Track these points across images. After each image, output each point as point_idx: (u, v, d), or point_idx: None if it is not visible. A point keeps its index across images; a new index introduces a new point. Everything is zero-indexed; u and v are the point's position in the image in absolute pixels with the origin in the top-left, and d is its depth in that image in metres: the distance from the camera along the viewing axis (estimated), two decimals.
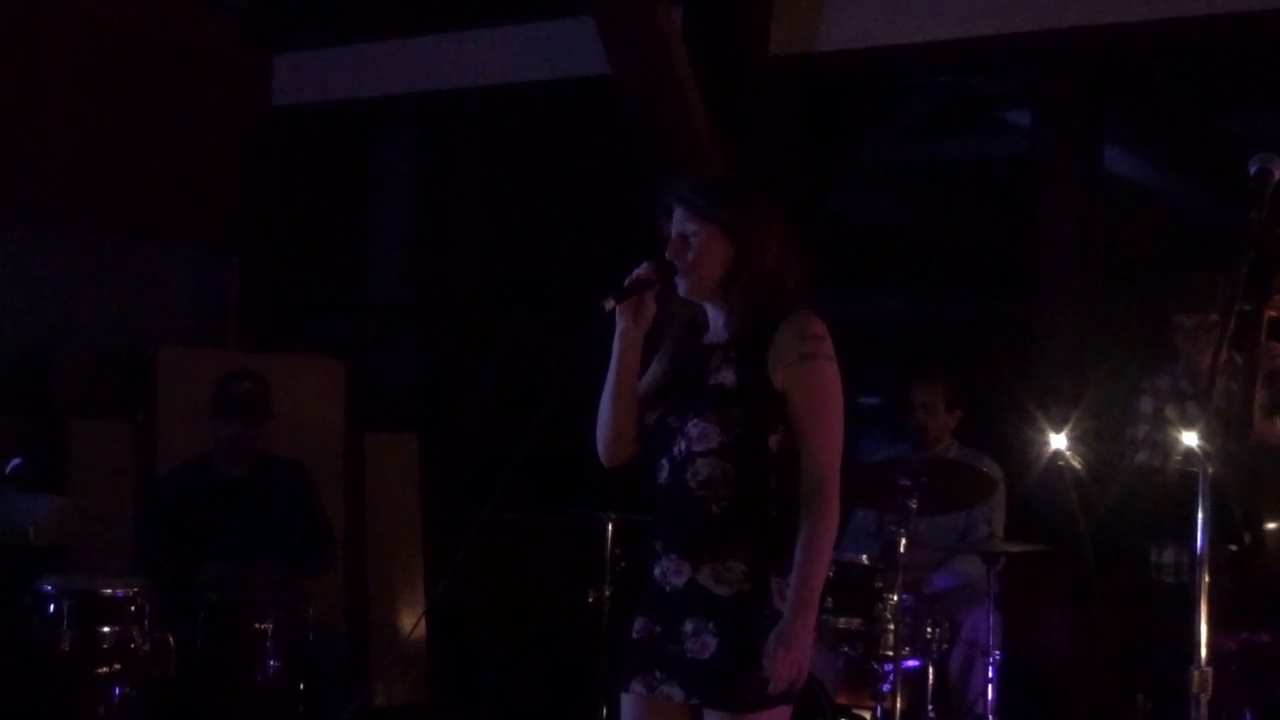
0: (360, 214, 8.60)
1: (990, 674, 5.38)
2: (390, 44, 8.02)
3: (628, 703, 3.55)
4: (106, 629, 5.07)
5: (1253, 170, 3.52)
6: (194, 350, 7.38)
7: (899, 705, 5.21)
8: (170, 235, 7.91)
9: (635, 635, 3.54)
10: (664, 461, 3.51)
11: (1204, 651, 3.19)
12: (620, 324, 3.54)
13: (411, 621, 7.25)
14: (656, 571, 3.50)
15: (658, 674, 3.47)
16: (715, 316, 3.58)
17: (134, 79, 7.67)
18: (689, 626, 3.42)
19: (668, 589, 3.47)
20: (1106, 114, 6.58)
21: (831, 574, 5.32)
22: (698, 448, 3.45)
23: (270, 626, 5.40)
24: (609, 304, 3.48)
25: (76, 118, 7.43)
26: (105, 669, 5.06)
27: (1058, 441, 5.28)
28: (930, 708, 5.40)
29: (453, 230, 8.05)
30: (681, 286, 3.54)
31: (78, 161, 7.41)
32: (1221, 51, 6.41)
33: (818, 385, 3.46)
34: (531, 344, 7.53)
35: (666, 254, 3.53)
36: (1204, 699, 3.19)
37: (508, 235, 7.94)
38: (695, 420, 3.46)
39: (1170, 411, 5.24)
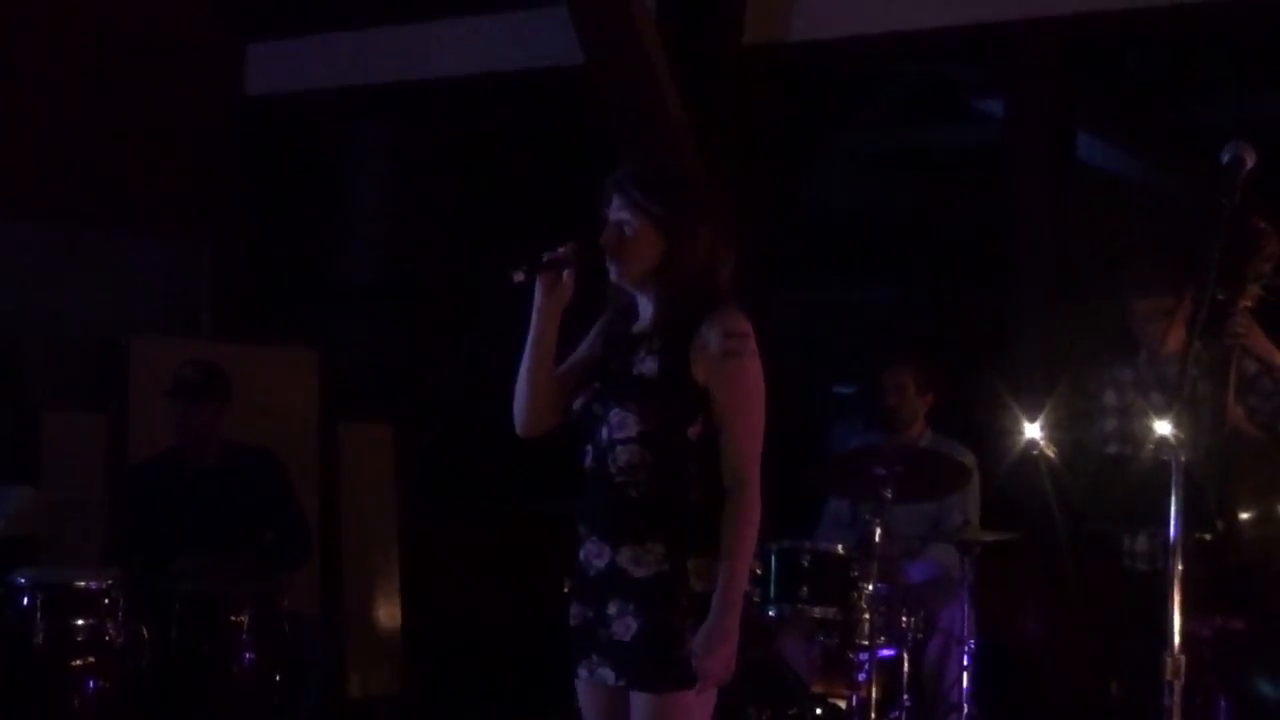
0: (334, 203, 8.58)
1: (965, 662, 5.40)
2: (363, 33, 8.00)
3: (578, 688, 3.63)
4: (80, 622, 5.04)
5: (1225, 158, 3.53)
6: (167, 340, 7.34)
7: (874, 694, 5.22)
8: (143, 225, 7.87)
9: (572, 622, 3.60)
10: (589, 447, 3.57)
11: (1177, 638, 3.20)
12: (537, 298, 3.60)
13: (388, 612, 7.24)
14: (582, 555, 3.57)
15: (594, 657, 3.53)
16: (644, 305, 3.62)
17: (106, 68, 7.64)
18: (613, 609, 3.48)
19: (591, 572, 3.53)
20: (1078, 102, 6.60)
21: (807, 563, 5.34)
22: (618, 435, 3.50)
23: (245, 618, 5.38)
24: (517, 276, 3.53)
25: (48, 107, 7.40)
26: (79, 662, 5.03)
27: (1032, 430, 5.29)
28: (905, 696, 5.41)
29: (426, 220, 8.04)
30: (612, 272, 3.58)
31: (50, 151, 7.38)
32: (1193, 39, 6.43)
33: (740, 383, 3.50)
34: (506, 334, 7.51)
35: (601, 239, 3.56)
36: (1177, 685, 3.21)
37: (481, 224, 7.92)
38: (616, 408, 3.51)
39: (1140, 402, 5.25)
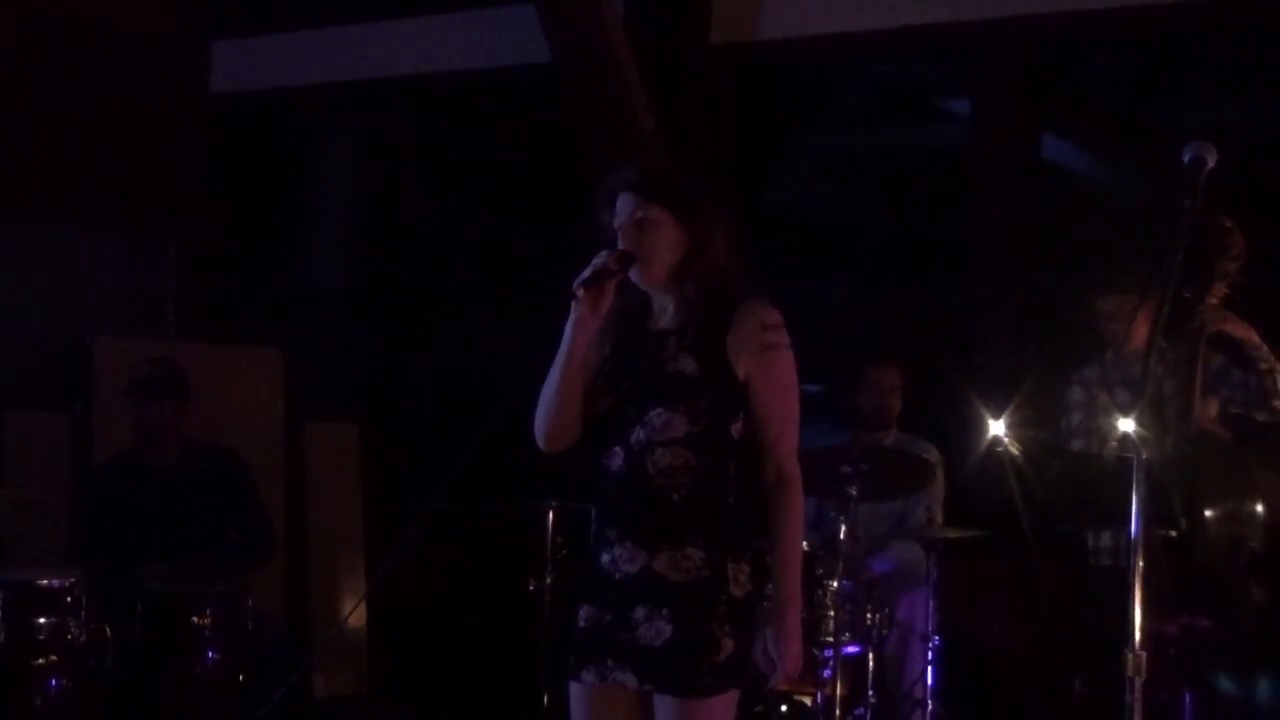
0: (300, 202, 8.55)
1: (929, 658, 5.42)
2: (330, 31, 7.97)
3: (577, 691, 3.53)
4: (42, 620, 5.00)
5: (1186, 159, 3.54)
6: (131, 340, 7.29)
7: (840, 691, 5.23)
8: (107, 223, 7.83)
9: (582, 624, 3.52)
10: (618, 449, 3.49)
11: (1138, 635, 3.21)
12: (576, 312, 3.48)
13: (354, 612, 7.22)
14: (604, 559, 3.48)
15: (609, 662, 3.45)
16: (663, 304, 3.56)
17: (71, 65, 7.59)
18: (640, 613, 3.41)
19: (617, 576, 3.46)
20: (1044, 103, 6.62)
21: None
22: (660, 437, 3.43)
23: (208, 618, 5.36)
24: (580, 291, 3.44)
25: (11, 104, 7.35)
26: (41, 660, 4.99)
27: (996, 427, 5.31)
28: (871, 692, 5.42)
29: (393, 219, 8.02)
30: (635, 273, 3.51)
31: (12, 148, 7.33)
32: (1158, 41, 6.46)
33: (780, 374, 3.49)
34: (473, 333, 7.51)
35: (620, 241, 3.49)
36: (1138, 682, 3.21)
37: (448, 224, 7.91)
38: (658, 409, 3.44)
39: (1104, 399, 5.27)
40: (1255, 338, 4.80)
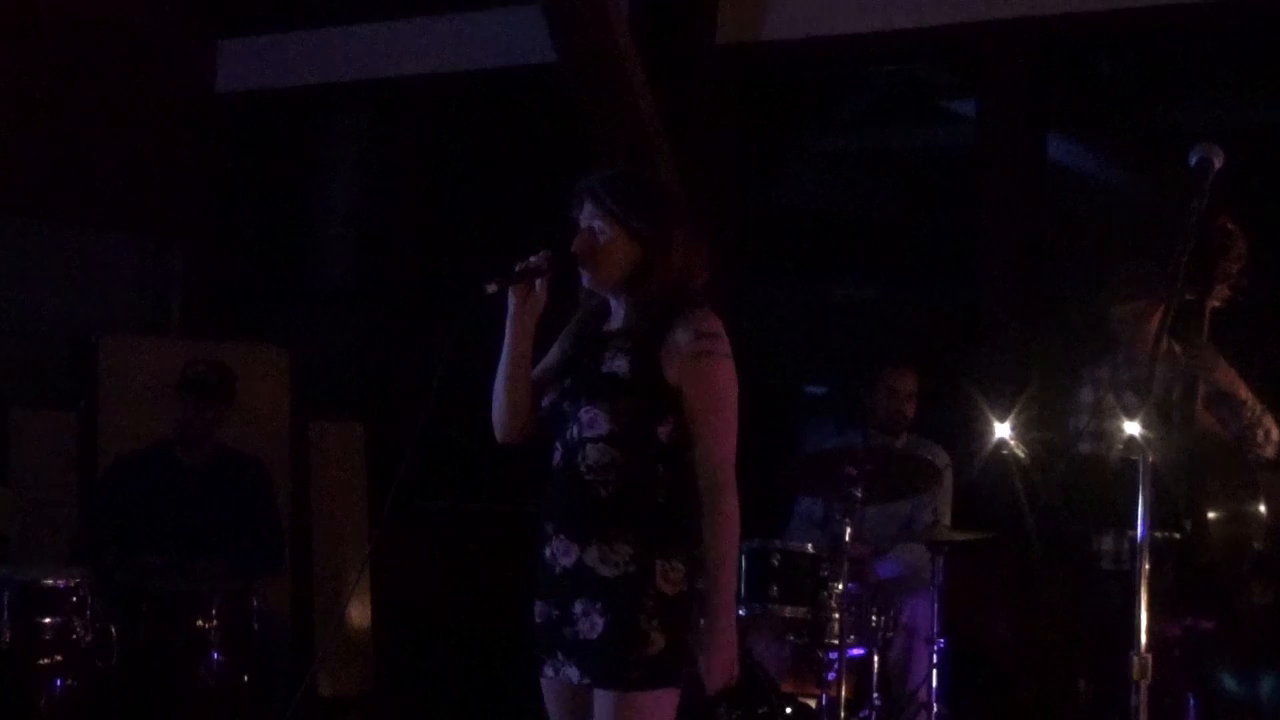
0: (305, 201, 8.55)
1: (934, 661, 5.41)
2: (335, 31, 7.97)
3: (544, 686, 3.63)
4: (48, 620, 5.01)
5: (1193, 160, 3.54)
6: (137, 338, 7.31)
7: (844, 693, 5.22)
8: (113, 222, 7.84)
9: (537, 619, 3.59)
10: (557, 445, 3.57)
11: (1144, 638, 3.21)
12: (510, 307, 3.58)
13: (357, 611, 7.22)
14: (547, 553, 3.56)
15: (559, 655, 3.53)
16: (617, 306, 3.63)
17: (78, 65, 7.60)
18: (579, 607, 3.47)
19: (557, 570, 3.53)
20: (1050, 104, 6.62)
21: (777, 563, 5.34)
22: (588, 433, 3.49)
23: (214, 619, 5.36)
24: (490, 287, 3.51)
25: (18, 102, 7.36)
26: (46, 660, 5.00)
27: (1002, 430, 5.31)
28: (875, 695, 5.42)
29: (398, 218, 8.02)
30: (585, 278, 3.58)
31: (20, 148, 7.34)
32: (1164, 42, 6.46)
33: (712, 382, 3.51)
34: (477, 332, 7.49)
35: (573, 245, 3.56)
36: (1144, 684, 3.22)
37: (453, 223, 7.91)
38: (587, 406, 3.50)
39: (1111, 400, 5.27)
40: (1242, 392, 4.83)
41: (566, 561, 3.51)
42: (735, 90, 7.02)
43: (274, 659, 5.65)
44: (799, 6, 6.86)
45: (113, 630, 5.15)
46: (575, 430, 3.51)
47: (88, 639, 5.08)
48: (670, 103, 6.68)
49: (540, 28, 6.67)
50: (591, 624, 3.45)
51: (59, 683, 5.02)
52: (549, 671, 3.57)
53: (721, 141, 6.98)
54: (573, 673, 3.50)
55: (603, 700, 3.45)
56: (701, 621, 3.47)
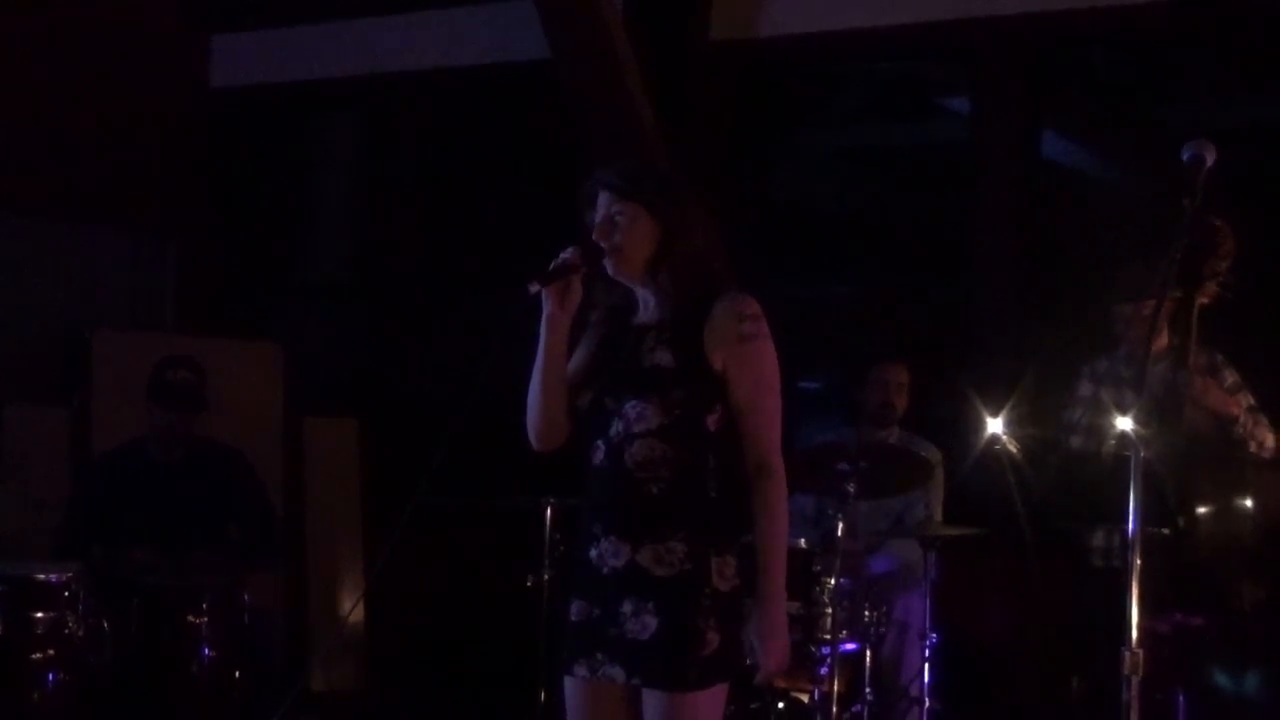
0: (299, 197, 8.55)
1: (926, 656, 5.42)
2: (330, 26, 7.97)
3: (571, 686, 3.55)
4: (40, 615, 5.01)
5: (1186, 157, 3.54)
6: (130, 333, 7.32)
7: (837, 688, 5.22)
8: (107, 217, 7.83)
9: (574, 618, 3.53)
10: (599, 443, 3.51)
11: (1135, 633, 3.21)
12: (546, 308, 3.52)
13: (351, 607, 7.22)
14: (593, 554, 3.50)
15: (599, 656, 3.46)
16: (645, 298, 3.58)
17: (71, 59, 7.59)
18: (628, 607, 3.42)
19: (605, 570, 3.47)
20: (1045, 101, 6.62)
21: None
22: (636, 429, 3.44)
23: (205, 614, 5.36)
24: (534, 287, 3.46)
25: (11, 98, 7.35)
26: (39, 655, 5.00)
27: (995, 426, 5.31)
28: (868, 690, 5.42)
29: (392, 213, 8.02)
30: (609, 266, 3.53)
31: (13, 142, 7.33)
32: (1158, 39, 6.46)
33: (758, 365, 3.48)
34: (471, 328, 7.51)
35: (594, 236, 3.52)
36: (1135, 680, 3.22)
37: (448, 219, 7.91)
38: (634, 401, 3.45)
39: (1106, 395, 5.28)
40: (1233, 410, 4.84)
41: (616, 562, 3.45)
42: (729, 86, 7.02)
43: (266, 654, 5.64)
44: (793, 3, 6.86)
45: (105, 625, 5.15)
46: (620, 426, 3.46)
47: (80, 634, 5.07)
48: (665, 99, 6.68)
49: (534, 23, 6.67)
50: (643, 624, 3.40)
51: (51, 677, 5.02)
52: (581, 671, 3.49)
53: (716, 138, 6.98)
54: (617, 673, 3.43)
55: (655, 701, 3.40)
56: (753, 610, 3.44)
